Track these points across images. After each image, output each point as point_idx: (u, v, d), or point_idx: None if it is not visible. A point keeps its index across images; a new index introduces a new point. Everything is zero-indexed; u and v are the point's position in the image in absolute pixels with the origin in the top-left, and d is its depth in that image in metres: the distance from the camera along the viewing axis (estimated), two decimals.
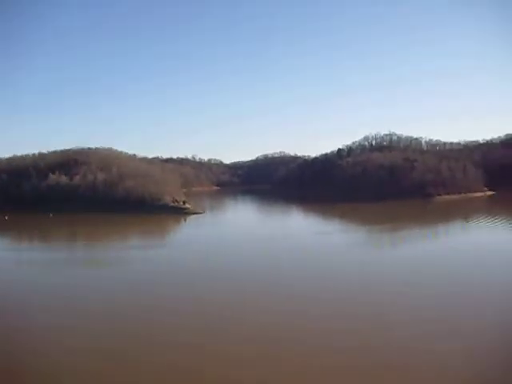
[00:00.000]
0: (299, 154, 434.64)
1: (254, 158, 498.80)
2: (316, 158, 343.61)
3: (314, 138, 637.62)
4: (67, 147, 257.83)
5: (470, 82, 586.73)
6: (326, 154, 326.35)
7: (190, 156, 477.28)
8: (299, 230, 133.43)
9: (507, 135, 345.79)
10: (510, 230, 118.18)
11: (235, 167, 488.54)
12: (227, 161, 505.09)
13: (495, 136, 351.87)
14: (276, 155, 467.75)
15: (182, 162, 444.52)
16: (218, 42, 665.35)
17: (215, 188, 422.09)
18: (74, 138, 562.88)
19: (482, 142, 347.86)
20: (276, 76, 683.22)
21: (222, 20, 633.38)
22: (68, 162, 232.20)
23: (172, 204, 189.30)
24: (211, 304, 58.35)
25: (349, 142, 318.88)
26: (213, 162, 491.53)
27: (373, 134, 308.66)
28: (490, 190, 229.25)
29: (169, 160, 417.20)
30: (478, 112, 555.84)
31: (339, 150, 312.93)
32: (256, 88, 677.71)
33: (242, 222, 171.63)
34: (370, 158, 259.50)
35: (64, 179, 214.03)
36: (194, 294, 64.33)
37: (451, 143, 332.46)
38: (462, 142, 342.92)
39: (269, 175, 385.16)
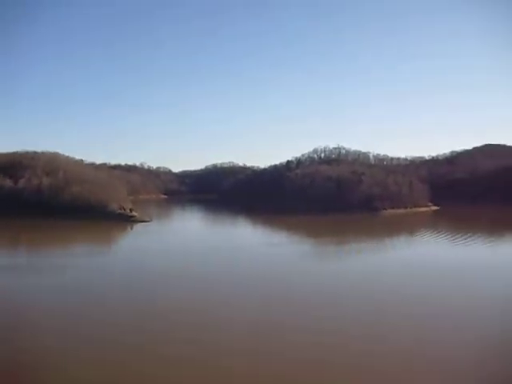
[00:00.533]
0: (248, 165, 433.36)
1: (203, 167, 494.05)
2: (265, 169, 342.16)
3: (264, 150, 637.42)
4: (12, 150, 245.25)
5: (416, 102, 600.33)
6: (276, 166, 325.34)
7: (138, 163, 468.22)
8: (246, 241, 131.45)
9: (452, 152, 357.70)
10: (452, 243, 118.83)
11: (184, 176, 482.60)
12: (176, 169, 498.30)
13: (440, 153, 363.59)
14: (225, 165, 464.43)
15: (129, 169, 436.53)
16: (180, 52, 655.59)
17: (163, 196, 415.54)
18: (20, 140, 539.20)
19: (427, 158, 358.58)
20: (226, 87, 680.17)
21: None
22: (13, 164, 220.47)
23: (119, 211, 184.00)
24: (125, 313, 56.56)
25: (298, 155, 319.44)
26: (161, 169, 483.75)
27: (322, 147, 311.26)
28: (434, 205, 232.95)
29: (116, 167, 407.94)
30: (426, 129, 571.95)
31: (288, 161, 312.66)
32: (207, 99, 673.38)
33: (189, 231, 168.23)
34: (318, 170, 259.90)
35: (8, 183, 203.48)
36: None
37: (398, 158, 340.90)
38: (408, 158, 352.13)
39: (217, 185, 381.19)
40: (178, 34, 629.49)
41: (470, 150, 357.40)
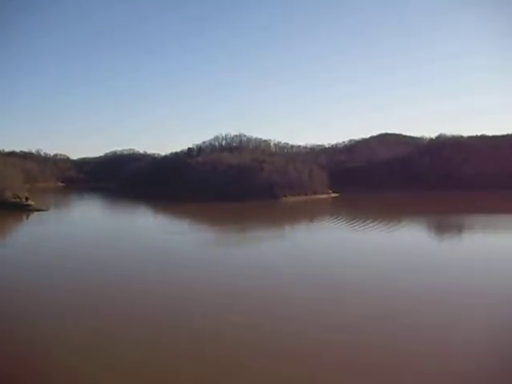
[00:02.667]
0: (149, 152, 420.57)
1: (102, 154, 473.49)
2: (166, 157, 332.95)
3: (165, 137, 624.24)
4: None
5: (315, 93, 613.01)
6: (177, 153, 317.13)
7: (34, 150, 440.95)
8: (147, 230, 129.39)
9: (351, 141, 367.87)
10: (349, 229, 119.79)
11: (82, 163, 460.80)
12: (74, 156, 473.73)
13: (340, 141, 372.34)
14: (125, 152, 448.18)
15: (25, 156, 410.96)
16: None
17: (61, 184, 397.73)
18: None
19: (327, 146, 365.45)
20: (127, 73, 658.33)
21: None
22: None
23: (13, 200, 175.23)
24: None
25: (199, 142, 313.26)
26: (58, 157, 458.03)
27: (223, 135, 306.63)
28: (334, 192, 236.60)
29: (11, 154, 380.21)
30: (326, 118, 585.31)
31: (189, 149, 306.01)
32: (108, 82, 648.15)
33: (88, 220, 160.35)
34: (219, 158, 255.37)
35: None
36: None
37: (299, 146, 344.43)
38: (308, 146, 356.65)
39: (117, 172, 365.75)
40: None
41: (368, 138, 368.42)
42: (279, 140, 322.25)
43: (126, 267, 76.10)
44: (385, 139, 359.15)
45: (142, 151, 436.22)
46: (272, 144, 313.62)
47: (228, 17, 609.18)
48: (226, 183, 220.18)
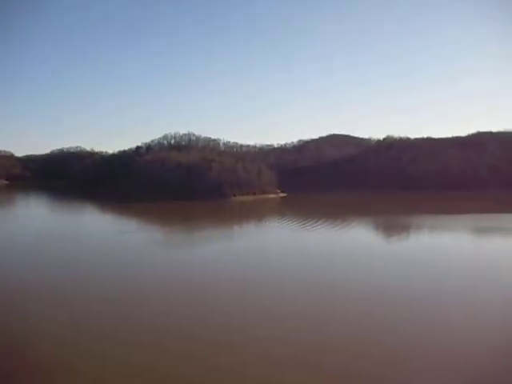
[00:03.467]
0: (96, 150, 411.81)
1: (48, 151, 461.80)
2: (114, 155, 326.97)
3: (113, 135, 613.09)
4: None
5: (266, 98, 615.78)
6: (125, 151, 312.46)
7: None
8: (94, 229, 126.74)
9: (300, 141, 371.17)
10: (296, 229, 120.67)
11: (28, 160, 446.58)
12: (19, 153, 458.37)
13: (289, 141, 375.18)
14: (72, 150, 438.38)
15: None
16: None
17: (5, 182, 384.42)
18: None
19: (276, 146, 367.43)
20: (71, 67, 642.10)
21: None
22: None
23: None
24: None
25: (147, 140, 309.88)
26: (2, 154, 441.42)
27: (172, 133, 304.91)
28: (282, 191, 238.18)
29: None
30: (275, 118, 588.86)
31: (138, 147, 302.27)
32: (52, 77, 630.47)
33: (34, 219, 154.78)
34: (168, 157, 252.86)
35: None
36: None
37: (248, 146, 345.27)
38: (258, 145, 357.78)
39: (64, 170, 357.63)
40: None
41: (317, 139, 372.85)
42: (228, 139, 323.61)
43: (60, 266, 75.03)
44: (333, 140, 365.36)
45: (88, 149, 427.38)
46: (221, 143, 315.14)
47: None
48: (175, 182, 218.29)
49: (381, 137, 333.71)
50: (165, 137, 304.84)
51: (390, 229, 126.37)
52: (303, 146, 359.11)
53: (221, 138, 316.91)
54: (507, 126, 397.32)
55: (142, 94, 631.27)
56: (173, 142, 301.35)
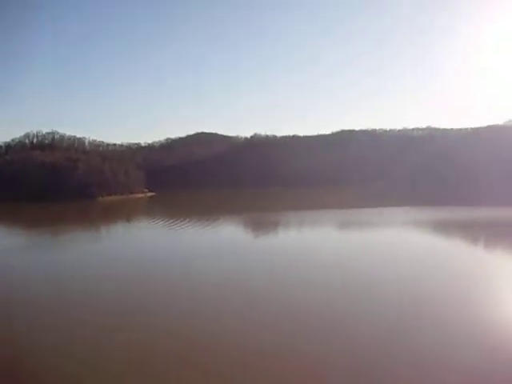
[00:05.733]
0: None
1: None
2: None
3: None
4: None
5: (133, 90, 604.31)
6: None
7: None
8: None
9: (167, 139, 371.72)
10: (166, 229, 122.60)
11: None
12: None
13: (156, 140, 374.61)
14: None
15: None
16: None
17: None
18: None
19: (143, 145, 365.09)
20: None
21: None
22: None
23: None
24: None
25: (8, 139, 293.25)
26: None
27: (34, 132, 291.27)
28: (150, 191, 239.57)
29: None
30: (142, 115, 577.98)
31: None
32: None
33: None
34: (30, 156, 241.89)
35: None
36: None
37: (114, 145, 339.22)
38: (125, 144, 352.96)
39: None
40: None
41: (184, 137, 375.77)
42: (94, 138, 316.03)
43: None
44: (201, 138, 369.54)
45: None
46: (87, 142, 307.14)
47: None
48: (39, 183, 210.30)
49: (248, 135, 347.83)
50: (26, 135, 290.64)
51: (259, 225, 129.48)
52: (171, 145, 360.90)
53: (86, 136, 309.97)
54: (369, 125, 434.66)
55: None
56: (35, 140, 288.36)
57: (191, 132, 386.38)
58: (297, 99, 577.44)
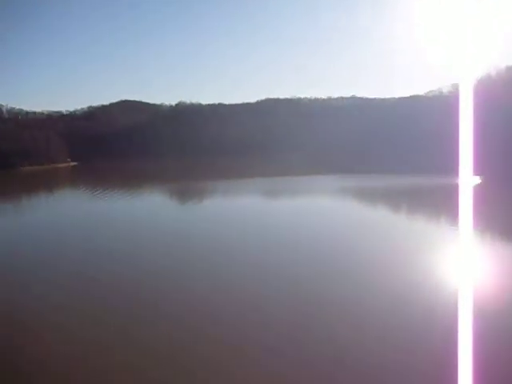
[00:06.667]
0: None
1: None
2: None
3: None
4: None
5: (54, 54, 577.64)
6: None
7: None
8: None
9: (90, 107, 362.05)
10: (91, 198, 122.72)
11: None
12: None
13: (78, 107, 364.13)
14: None
15: None
16: None
17: None
18: None
19: (65, 112, 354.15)
20: None
21: None
22: None
23: None
24: None
25: None
26: None
27: None
28: (73, 160, 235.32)
29: None
30: (63, 81, 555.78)
31: None
32: None
33: None
34: None
35: None
36: None
37: (34, 113, 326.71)
38: (45, 112, 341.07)
39: None
40: None
41: (107, 105, 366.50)
42: (12, 105, 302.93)
43: None
44: (125, 106, 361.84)
45: None
46: (4, 110, 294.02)
47: None
48: None
49: (173, 103, 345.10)
50: None
51: (183, 194, 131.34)
52: (94, 113, 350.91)
53: (3, 104, 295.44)
54: (293, 93, 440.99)
55: None
56: None
57: (114, 100, 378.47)
58: (224, 67, 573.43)
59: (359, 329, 31.57)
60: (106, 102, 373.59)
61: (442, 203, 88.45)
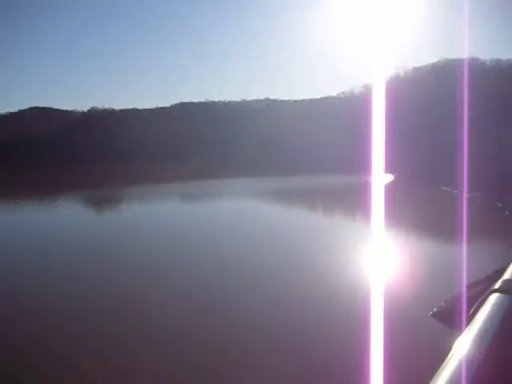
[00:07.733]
0: None
1: None
2: None
3: None
4: None
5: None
6: None
7: None
8: None
9: None
10: None
11: None
12: None
13: None
14: None
15: None
16: None
17: None
18: None
19: None
20: None
21: None
22: None
23: None
24: None
25: None
26: None
27: None
28: None
29: None
30: None
31: None
32: None
33: None
34: None
35: None
36: None
37: None
38: None
39: None
40: None
41: (16, 112, 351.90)
42: None
43: None
44: (35, 113, 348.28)
45: None
46: None
47: None
48: None
49: (85, 108, 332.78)
50: None
51: (97, 202, 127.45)
52: (1, 121, 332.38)
53: None
54: (208, 97, 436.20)
55: None
56: None
57: (24, 106, 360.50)
58: (137, 71, 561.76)
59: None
60: (13, 109, 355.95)
61: (354, 201, 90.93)
